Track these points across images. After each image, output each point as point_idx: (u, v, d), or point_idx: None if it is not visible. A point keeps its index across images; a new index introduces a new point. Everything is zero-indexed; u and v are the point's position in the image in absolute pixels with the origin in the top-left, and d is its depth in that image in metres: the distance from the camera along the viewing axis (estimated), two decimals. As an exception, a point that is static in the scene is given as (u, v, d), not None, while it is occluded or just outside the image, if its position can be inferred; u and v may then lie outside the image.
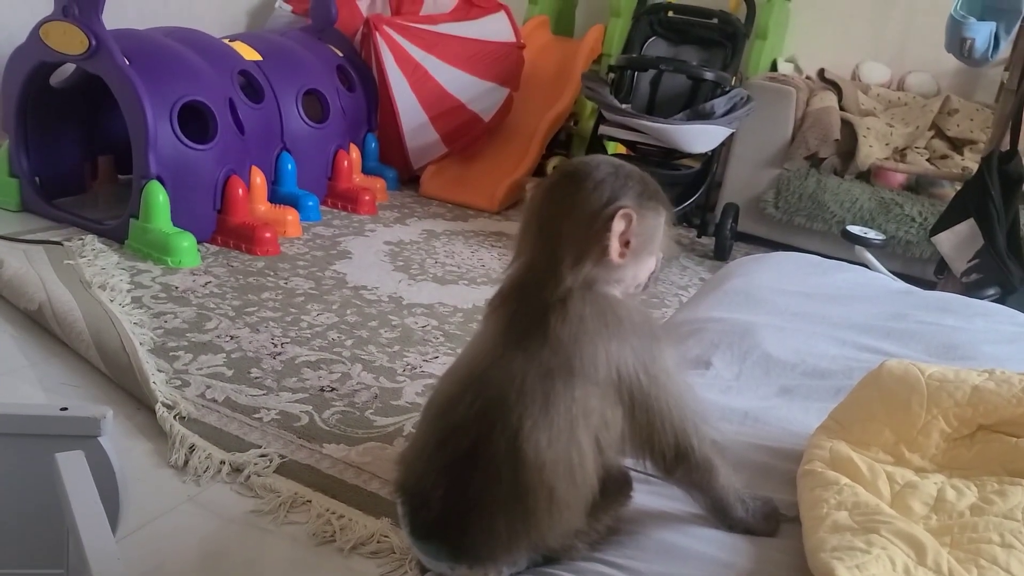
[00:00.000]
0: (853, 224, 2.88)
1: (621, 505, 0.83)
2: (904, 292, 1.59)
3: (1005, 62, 2.63)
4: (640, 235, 0.82)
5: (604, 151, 2.99)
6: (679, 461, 0.80)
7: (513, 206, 3.44)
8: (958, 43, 2.40)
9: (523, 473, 0.73)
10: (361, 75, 3.29)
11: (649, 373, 0.78)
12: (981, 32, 2.37)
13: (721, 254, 3.08)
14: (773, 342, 1.26)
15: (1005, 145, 2.46)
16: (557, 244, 0.80)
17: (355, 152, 3.20)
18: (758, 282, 1.53)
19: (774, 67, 3.58)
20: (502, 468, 0.74)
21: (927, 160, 3.20)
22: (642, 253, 0.83)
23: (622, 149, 3.15)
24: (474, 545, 0.76)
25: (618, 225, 0.80)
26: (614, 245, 0.80)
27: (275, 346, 1.96)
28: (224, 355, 1.88)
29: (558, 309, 0.77)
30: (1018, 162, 2.39)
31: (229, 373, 1.81)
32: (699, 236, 3.20)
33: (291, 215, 2.73)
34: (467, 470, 0.75)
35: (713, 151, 2.86)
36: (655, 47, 3.17)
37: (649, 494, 0.87)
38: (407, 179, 3.50)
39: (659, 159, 2.93)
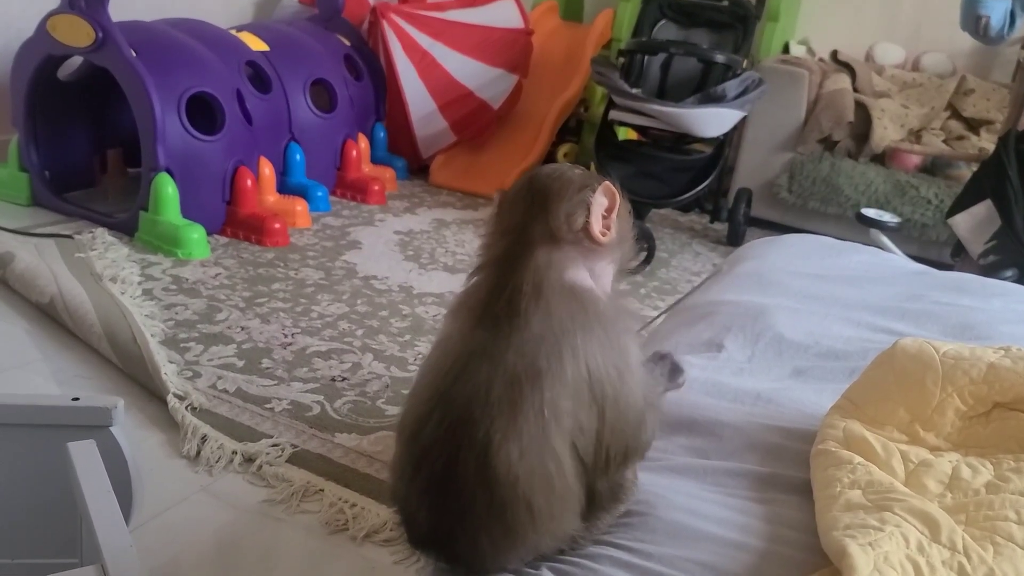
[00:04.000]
0: (868, 207, 2.85)
1: (621, 504, 0.80)
2: (919, 273, 1.57)
3: (1022, 40, 2.59)
4: (621, 220, 0.79)
5: (615, 136, 2.97)
6: (621, 463, 0.76)
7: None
8: (973, 21, 2.36)
9: (497, 490, 0.69)
10: (369, 64, 3.28)
11: (618, 369, 0.74)
12: (997, 9, 2.33)
13: (734, 239, 3.06)
14: (786, 324, 1.24)
15: (1022, 124, 2.43)
16: (528, 235, 0.76)
17: (364, 142, 3.20)
18: (771, 264, 1.52)
19: (786, 49, 3.55)
20: (476, 488, 0.70)
21: (943, 141, 3.16)
22: (620, 242, 0.80)
23: (633, 134, 3.13)
24: (467, 559, 0.74)
25: (600, 199, 0.77)
26: (596, 221, 0.77)
27: (286, 336, 1.96)
28: (235, 346, 1.88)
29: (525, 305, 0.72)
30: (1035, 141, 2.35)
31: (240, 364, 1.81)
32: (712, 222, 3.18)
33: (300, 206, 2.73)
34: (443, 493, 0.72)
35: (725, 135, 2.83)
36: (665, 30, 3.14)
37: (657, 472, 0.86)
38: (416, 168, 3.50)
39: (670, 144, 2.91)
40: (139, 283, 2.14)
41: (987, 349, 0.90)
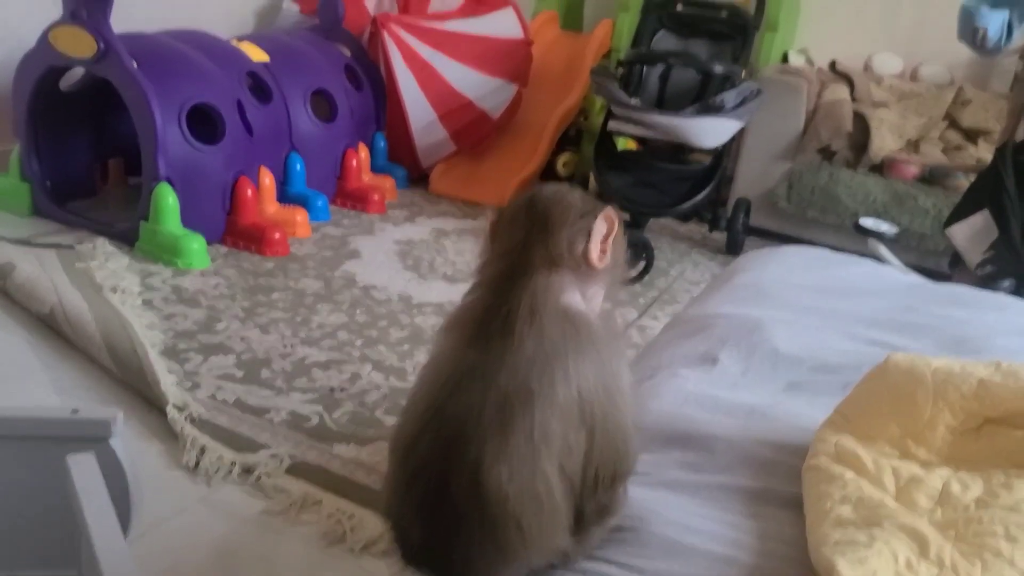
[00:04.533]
0: (866, 217, 2.86)
1: (612, 517, 0.81)
2: (915, 285, 1.57)
3: (1019, 51, 2.60)
4: (616, 245, 0.81)
5: (614, 146, 2.98)
6: (609, 486, 0.77)
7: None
8: (971, 32, 2.37)
9: (488, 508, 0.70)
10: (369, 74, 3.29)
11: (609, 392, 0.75)
12: (994, 21, 2.34)
13: (733, 249, 3.07)
14: (782, 337, 1.25)
15: (1020, 135, 2.43)
16: (527, 258, 0.77)
17: (364, 151, 3.20)
18: (768, 276, 1.52)
19: (785, 59, 3.56)
20: (468, 505, 0.71)
21: (941, 151, 3.16)
22: (613, 266, 0.82)
23: (632, 144, 3.14)
24: (460, 575, 0.75)
25: (600, 226, 0.79)
26: (595, 247, 0.78)
27: (285, 347, 1.97)
28: (234, 356, 1.89)
29: (519, 326, 0.73)
30: (1033, 152, 2.36)
31: (239, 374, 1.82)
32: (711, 231, 3.18)
33: (300, 215, 2.74)
34: (436, 510, 0.73)
35: (724, 145, 2.84)
36: (664, 41, 3.15)
37: (650, 487, 0.87)
38: (416, 178, 3.50)
39: (669, 154, 2.92)
40: (139, 293, 2.15)
41: (977, 364, 0.91)
